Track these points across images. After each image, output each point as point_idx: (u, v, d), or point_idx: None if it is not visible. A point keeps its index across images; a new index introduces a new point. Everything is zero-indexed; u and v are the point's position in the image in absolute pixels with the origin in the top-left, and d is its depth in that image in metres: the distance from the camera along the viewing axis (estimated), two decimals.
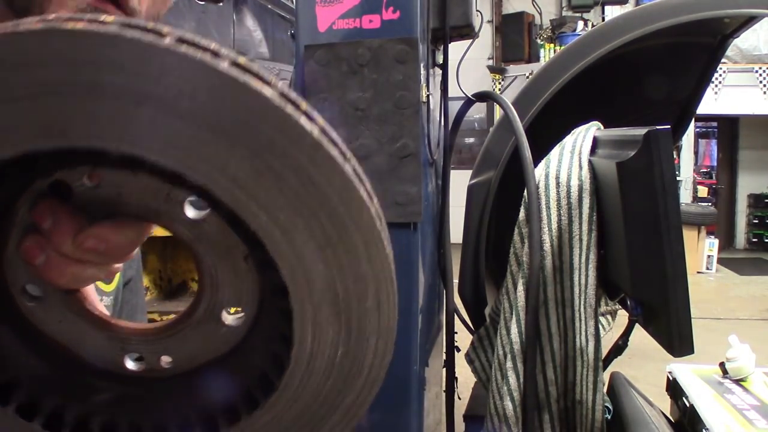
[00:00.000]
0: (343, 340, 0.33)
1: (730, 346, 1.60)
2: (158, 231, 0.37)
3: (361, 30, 1.53)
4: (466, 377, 1.85)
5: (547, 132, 1.55)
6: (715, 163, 9.68)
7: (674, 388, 1.61)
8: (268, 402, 0.36)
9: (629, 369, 2.69)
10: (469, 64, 1.80)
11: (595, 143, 1.41)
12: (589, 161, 1.38)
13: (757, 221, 9.20)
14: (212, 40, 0.27)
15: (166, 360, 0.38)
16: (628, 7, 7.62)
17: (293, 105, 0.27)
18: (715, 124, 9.46)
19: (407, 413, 1.53)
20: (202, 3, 2.07)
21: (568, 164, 1.40)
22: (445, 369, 1.78)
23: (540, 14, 8.77)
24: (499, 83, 8.43)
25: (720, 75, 7.46)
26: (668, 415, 1.61)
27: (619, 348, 1.46)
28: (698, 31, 1.76)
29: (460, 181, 1.88)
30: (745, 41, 7.46)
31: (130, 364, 0.38)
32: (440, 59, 1.75)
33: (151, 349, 0.38)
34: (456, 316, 1.75)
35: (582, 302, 1.37)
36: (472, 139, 9.07)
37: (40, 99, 0.26)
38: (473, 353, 1.73)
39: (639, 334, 1.39)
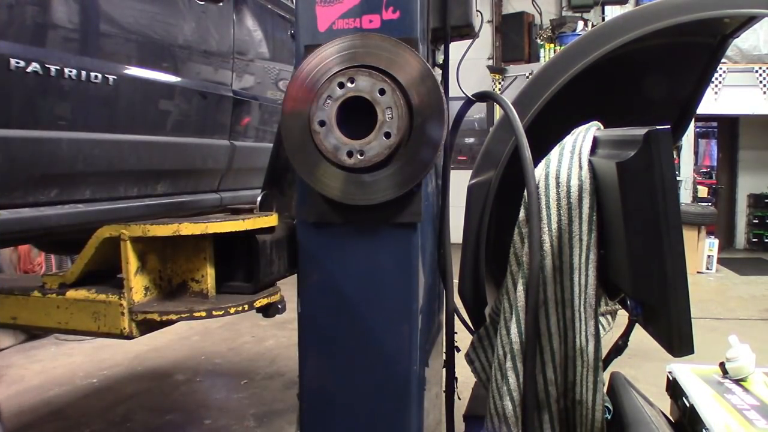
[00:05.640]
0: None
1: (730, 346, 1.60)
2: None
3: (361, 30, 1.53)
4: (466, 377, 1.85)
5: (547, 132, 1.55)
6: (715, 163, 9.68)
7: (674, 388, 1.61)
8: None
9: (629, 369, 2.68)
10: (469, 64, 1.80)
11: (595, 143, 1.41)
12: (589, 161, 1.38)
13: (757, 221, 9.20)
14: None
15: None
16: (628, 7, 7.62)
17: None
18: (715, 124, 9.46)
19: (407, 413, 1.53)
20: (202, 3, 2.06)
21: (568, 164, 1.40)
22: (445, 369, 1.78)
23: (540, 14, 8.77)
24: (499, 83, 8.43)
25: (720, 75, 7.46)
26: (668, 415, 1.61)
27: (619, 348, 1.46)
28: (698, 31, 1.76)
29: (460, 181, 1.87)
30: (745, 41, 7.46)
31: None
32: (440, 59, 1.74)
33: None
34: (456, 316, 1.75)
35: (582, 302, 1.37)
36: (472, 139, 9.08)
37: None
38: (473, 353, 1.73)
39: (639, 334, 1.39)
